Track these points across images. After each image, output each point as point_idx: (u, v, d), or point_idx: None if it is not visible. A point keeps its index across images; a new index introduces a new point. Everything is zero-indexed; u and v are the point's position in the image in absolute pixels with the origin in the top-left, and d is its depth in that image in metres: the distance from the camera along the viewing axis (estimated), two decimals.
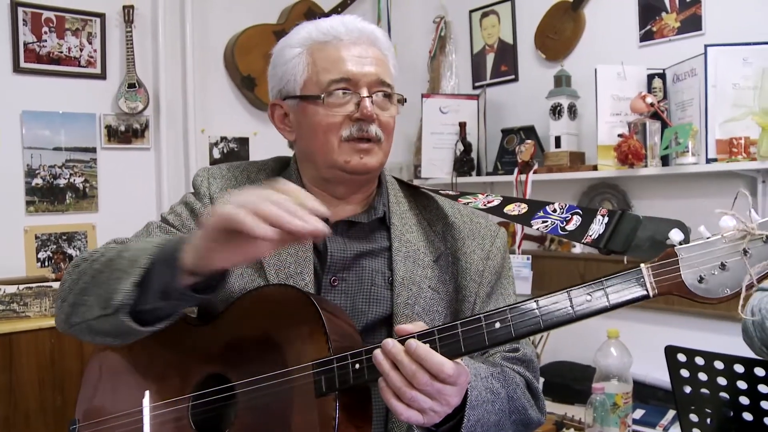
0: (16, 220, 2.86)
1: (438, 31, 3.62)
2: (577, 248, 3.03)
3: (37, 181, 2.90)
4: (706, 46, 2.51)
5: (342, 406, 1.08)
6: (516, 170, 3.11)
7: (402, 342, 1.02)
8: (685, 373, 1.93)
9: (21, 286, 2.60)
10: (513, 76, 3.40)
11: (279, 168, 1.39)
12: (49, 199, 2.92)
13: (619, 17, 2.97)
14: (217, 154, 3.32)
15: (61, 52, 2.94)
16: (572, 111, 3.04)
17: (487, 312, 1.02)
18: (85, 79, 3.00)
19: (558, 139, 3.04)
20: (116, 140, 3.06)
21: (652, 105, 2.67)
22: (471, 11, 3.56)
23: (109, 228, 2.99)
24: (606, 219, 1.13)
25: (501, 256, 1.36)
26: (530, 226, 1.20)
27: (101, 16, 3.02)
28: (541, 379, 2.73)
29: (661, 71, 2.75)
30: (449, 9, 3.65)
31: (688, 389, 1.92)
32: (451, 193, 1.37)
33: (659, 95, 2.74)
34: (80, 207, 2.99)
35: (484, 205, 1.29)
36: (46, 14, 2.91)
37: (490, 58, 3.50)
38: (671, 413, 2.56)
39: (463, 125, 3.38)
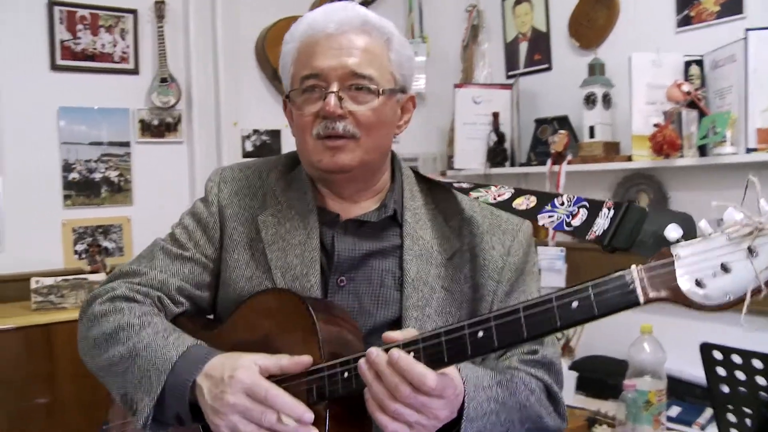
0: (54, 214, 2.94)
1: (470, 20, 3.57)
2: None
3: (74, 175, 2.97)
4: (747, 30, 2.41)
5: (333, 416, 1.06)
6: (549, 161, 3.05)
7: (387, 351, 0.99)
8: (721, 371, 1.87)
9: (58, 279, 2.67)
10: (546, 65, 3.34)
11: (291, 165, 1.34)
12: (86, 193, 2.99)
13: (655, 2, 2.88)
14: (249, 147, 3.35)
15: (96, 49, 3.01)
16: (606, 100, 2.97)
17: (470, 320, 0.97)
18: (118, 74, 3.06)
19: (592, 129, 2.97)
20: (150, 134, 3.12)
21: (688, 93, 2.59)
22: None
23: (143, 220, 3.05)
24: (612, 212, 1.03)
25: (523, 252, 1.28)
26: (536, 221, 1.13)
27: (134, 12, 3.08)
28: (574, 375, 2.71)
29: (699, 58, 2.66)
30: None
31: (725, 388, 1.86)
32: (464, 185, 1.28)
33: (696, 83, 2.65)
34: (115, 200, 3.05)
35: (494, 199, 1.20)
36: (80, 12, 2.98)
37: (523, 47, 3.44)
38: (709, 411, 2.48)
39: (496, 115, 3.34)
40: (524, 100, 3.38)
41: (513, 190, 1.21)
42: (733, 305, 0.81)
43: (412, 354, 0.98)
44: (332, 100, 1.16)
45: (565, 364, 2.84)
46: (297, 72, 1.22)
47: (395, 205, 1.27)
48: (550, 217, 1.11)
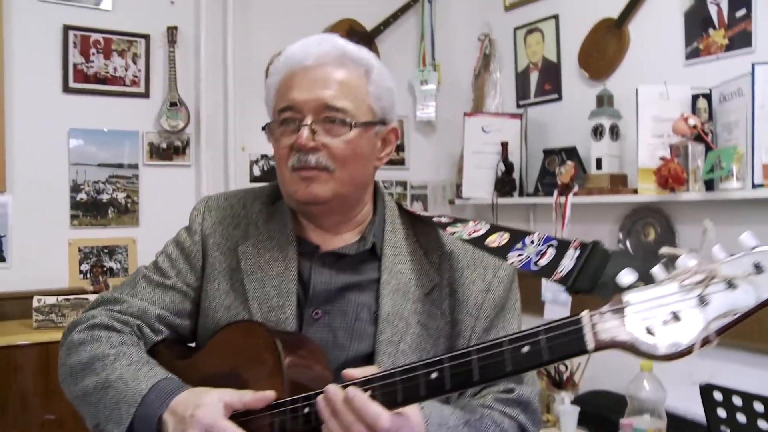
0: (61, 233, 2.98)
1: (482, 49, 3.58)
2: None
3: (82, 195, 3.01)
4: (753, 64, 2.38)
5: None
6: (556, 192, 3.03)
7: (344, 388, 0.99)
8: (722, 413, 1.83)
9: (60, 298, 2.70)
10: (556, 95, 3.32)
11: (275, 194, 1.34)
12: (93, 214, 3.04)
13: (664, 34, 2.86)
14: (257, 172, 3.37)
15: (107, 72, 3.06)
16: (614, 132, 2.94)
17: (425, 360, 0.97)
18: (129, 97, 3.11)
19: (599, 161, 2.94)
20: (158, 157, 3.16)
21: (694, 127, 2.55)
22: (516, 28, 3.50)
23: (149, 242, 3.06)
24: (577, 253, 1.00)
25: (504, 288, 1.26)
26: (506, 259, 1.09)
27: (146, 37, 3.13)
28: (576, 410, 2.64)
29: (707, 91, 2.63)
30: (494, 27, 3.60)
31: (725, 430, 1.81)
32: (443, 220, 1.27)
33: (704, 116, 2.61)
34: (122, 221, 3.09)
35: (469, 235, 1.19)
36: (94, 36, 3.04)
37: (534, 77, 3.43)
38: None
39: (505, 145, 3.32)
40: (533, 130, 3.36)
41: (489, 226, 1.19)
42: (683, 355, 0.79)
43: (369, 393, 0.98)
44: (305, 132, 1.17)
45: (567, 398, 2.80)
46: (276, 104, 1.23)
47: (374, 238, 1.27)
48: (519, 255, 1.08)
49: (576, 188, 2.98)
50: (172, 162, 3.19)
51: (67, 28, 2.99)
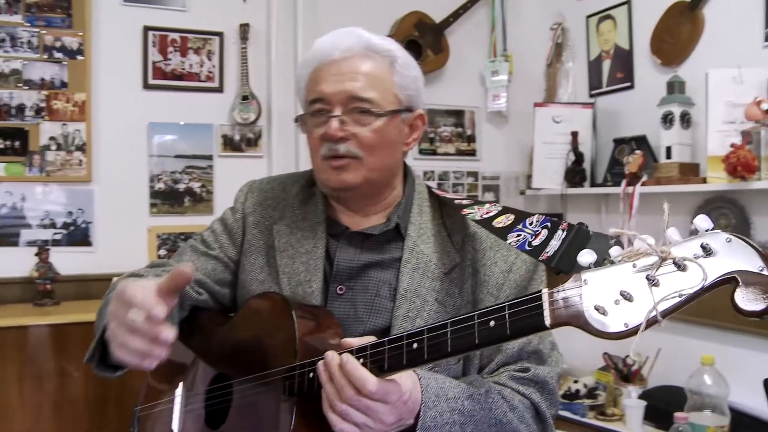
0: (141, 221, 3.17)
1: (555, 38, 3.51)
2: None
3: (160, 185, 3.20)
4: None
5: (299, 411, 1.12)
6: (624, 182, 2.94)
7: (341, 355, 1.05)
8: None
9: None
10: (629, 84, 3.21)
11: (312, 179, 1.41)
12: (170, 202, 3.21)
13: (742, 16, 2.71)
14: None
15: (184, 69, 3.23)
16: (685, 119, 2.82)
17: (410, 330, 1.01)
18: (204, 92, 3.27)
19: (669, 150, 2.83)
20: (231, 149, 3.30)
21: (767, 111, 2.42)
22: (588, 16, 3.41)
23: None
24: (563, 234, 1.04)
25: (527, 269, 1.28)
26: (506, 239, 1.12)
27: (220, 34, 3.28)
28: (642, 404, 2.56)
29: None
30: (566, 15, 3.52)
31: None
32: (464, 202, 1.30)
33: None
34: (197, 210, 3.25)
35: (481, 217, 1.22)
36: (171, 35, 3.21)
37: (606, 65, 3.34)
38: None
39: (575, 135, 3.26)
40: (604, 119, 3.28)
41: (501, 208, 1.22)
42: (630, 335, 0.80)
43: (361, 360, 1.03)
44: (333, 123, 1.23)
45: (635, 392, 2.72)
46: (304, 97, 1.31)
47: (399, 219, 1.32)
48: (518, 236, 1.11)
49: (645, 178, 2.89)
50: (244, 153, 3.33)
51: (146, 29, 3.17)
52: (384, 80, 1.27)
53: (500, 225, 1.17)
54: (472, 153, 3.72)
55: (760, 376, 2.33)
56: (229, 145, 3.29)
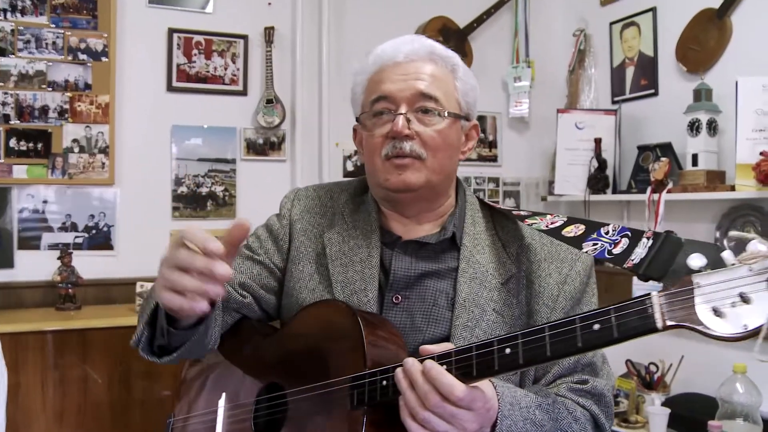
0: (164, 224, 3.15)
1: (577, 45, 3.51)
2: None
3: (183, 189, 3.18)
4: None
5: (370, 422, 1.10)
6: (649, 189, 2.94)
7: (422, 362, 1.03)
8: None
9: None
10: (653, 90, 3.22)
11: (363, 188, 1.43)
12: (192, 206, 3.20)
13: None
14: (350, 167, 3.45)
15: (208, 72, 3.22)
16: (712, 127, 2.82)
17: (500, 336, 1.00)
18: (228, 95, 3.25)
19: (695, 157, 2.83)
20: (254, 152, 3.29)
21: None
22: (611, 23, 3.41)
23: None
24: (650, 242, 1.03)
25: (581, 281, 1.29)
26: (581, 248, 1.14)
27: (245, 37, 3.27)
28: (666, 411, 2.55)
29: None
30: (589, 22, 3.53)
31: None
32: (522, 213, 1.32)
33: None
34: (220, 213, 3.23)
35: (547, 227, 1.23)
36: (196, 38, 3.20)
37: (629, 72, 3.34)
38: None
39: (598, 141, 3.26)
40: (628, 126, 3.28)
41: (566, 218, 1.22)
42: (749, 336, 0.81)
43: (444, 366, 1.01)
44: (400, 120, 1.23)
45: (658, 400, 2.71)
46: (367, 97, 1.31)
47: (455, 228, 1.32)
48: (594, 245, 1.12)
49: (670, 185, 2.89)
50: (268, 157, 3.31)
51: (171, 31, 3.16)
52: (447, 84, 1.29)
53: (570, 234, 1.17)
54: (493, 159, 3.72)
55: None
56: (253, 148, 3.28)
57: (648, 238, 1.04)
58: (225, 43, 3.23)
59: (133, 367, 2.69)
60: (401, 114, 1.23)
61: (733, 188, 2.65)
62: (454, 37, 3.48)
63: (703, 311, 0.83)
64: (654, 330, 0.86)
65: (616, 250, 1.07)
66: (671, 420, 2.60)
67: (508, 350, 0.97)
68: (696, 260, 0.87)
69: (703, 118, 2.81)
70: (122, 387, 2.69)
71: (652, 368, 2.86)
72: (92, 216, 3.06)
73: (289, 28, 3.34)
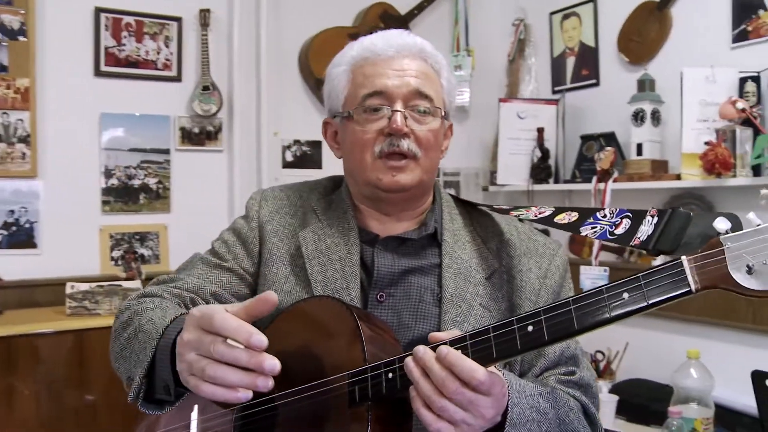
0: (93, 219, 2.95)
1: (517, 34, 3.51)
2: (658, 260, 2.85)
3: (113, 181, 2.98)
4: None
5: (375, 418, 1.03)
6: (595, 178, 2.97)
7: (434, 349, 0.98)
8: None
9: (93, 284, 2.66)
10: (594, 81, 3.25)
11: (332, 187, 1.40)
12: (124, 200, 3.00)
13: (710, 17, 2.78)
14: (289, 157, 3.33)
15: (139, 56, 3.02)
16: (655, 117, 2.87)
17: (519, 315, 0.96)
18: (161, 81, 3.08)
19: (640, 147, 2.88)
20: (190, 142, 3.12)
21: (743, 110, 2.49)
22: (551, 13, 3.43)
23: (180, 228, 3.05)
24: (655, 219, 1.06)
25: (560, 276, 1.31)
26: (579, 233, 1.15)
27: (178, 20, 3.09)
28: (615, 398, 2.60)
29: (756, 74, 2.56)
30: (529, 11, 3.54)
31: None
32: (504, 207, 1.34)
33: (752, 100, 2.54)
34: (153, 207, 3.05)
35: (536, 216, 1.24)
36: (126, 19, 3.00)
37: (570, 62, 3.37)
38: None
39: (541, 131, 3.27)
40: (570, 115, 3.30)
41: (554, 208, 1.22)
42: None
43: (460, 351, 0.97)
44: (399, 118, 1.20)
45: (605, 387, 2.75)
46: (356, 91, 1.25)
47: (435, 224, 1.31)
48: (593, 228, 1.13)
49: (616, 174, 2.93)
50: (204, 147, 3.15)
51: (98, 11, 2.94)
52: (436, 82, 1.28)
53: (564, 222, 1.18)
54: None
55: (732, 371, 2.39)
56: (188, 138, 3.11)
57: (653, 216, 1.06)
58: (157, 26, 3.04)
59: (62, 376, 2.50)
60: (399, 111, 1.21)
61: (679, 177, 2.71)
62: (395, 23, 3.41)
63: (735, 270, 0.85)
64: (688, 293, 0.87)
65: (618, 231, 1.09)
66: (619, 407, 2.65)
67: (530, 327, 0.94)
68: (721, 224, 0.88)
69: (648, 108, 2.85)
70: (52, 398, 2.49)
71: (599, 356, 2.90)
72: (12, 212, 2.82)
73: (225, 11, 3.19)
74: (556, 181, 3.29)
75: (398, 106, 1.21)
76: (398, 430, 1.07)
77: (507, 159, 3.36)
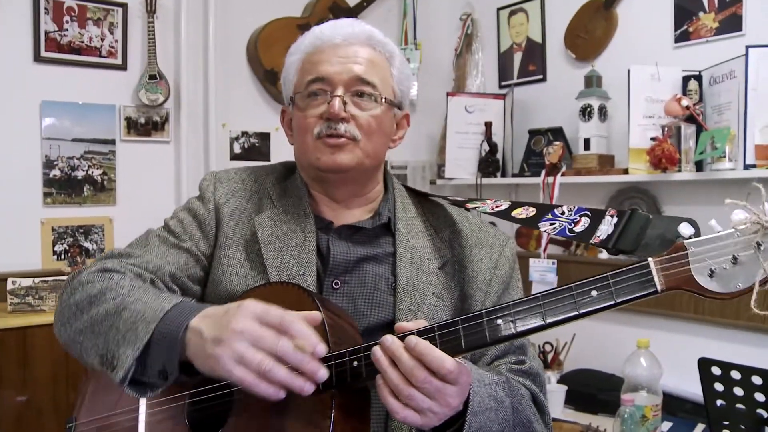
0: (33, 212, 2.82)
1: (464, 29, 3.55)
2: (604, 254, 2.94)
3: (55, 172, 2.85)
4: (747, 47, 2.41)
5: (338, 405, 1.04)
6: (543, 172, 3.03)
7: (402, 339, 1.00)
8: (719, 387, 1.87)
9: (36, 280, 2.55)
10: (541, 76, 3.32)
11: (285, 173, 1.40)
12: (67, 191, 2.88)
13: (653, 17, 2.88)
14: (237, 149, 3.26)
15: (82, 42, 2.90)
16: (602, 113, 2.96)
17: (488, 308, 1.00)
18: (105, 69, 2.96)
19: (587, 142, 2.96)
20: (136, 133, 3.02)
21: (687, 108, 2.59)
22: (499, 9, 3.48)
23: (126, 222, 2.95)
24: (615, 219, 1.12)
25: (509, 266, 1.35)
26: (537, 228, 1.22)
27: (123, 6, 2.97)
28: (563, 388, 2.67)
29: (697, 73, 2.66)
30: (476, 6, 3.57)
31: (721, 403, 1.86)
32: (459, 199, 1.38)
33: (695, 98, 2.65)
34: (98, 200, 2.94)
35: (492, 210, 1.29)
36: (68, 3, 2.87)
37: (517, 57, 3.42)
38: (700, 427, 2.47)
39: (488, 125, 3.31)
40: (518, 110, 3.36)
41: (510, 203, 1.29)
42: (743, 293, 0.90)
43: (428, 341, 1.00)
44: (337, 102, 1.22)
45: (553, 377, 2.82)
46: (302, 78, 1.28)
47: (389, 213, 1.34)
48: (551, 224, 1.19)
49: (564, 168, 2.99)
50: (150, 138, 3.05)
51: None
52: (384, 70, 1.29)
53: (522, 216, 1.25)
54: None
55: (675, 360, 2.49)
56: (134, 128, 3.00)
57: (612, 216, 1.13)
58: (101, 11, 2.92)
59: (3, 376, 2.39)
60: (338, 96, 1.23)
61: (626, 171, 2.79)
62: (343, 15, 3.39)
63: (698, 274, 0.91)
64: (654, 293, 0.93)
65: (578, 228, 1.15)
66: (568, 396, 2.72)
67: (499, 321, 0.98)
68: (685, 229, 0.95)
69: (595, 103, 2.93)
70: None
71: (547, 347, 2.97)
72: None
73: None
74: (504, 175, 3.34)
75: (339, 91, 1.23)
76: (359, 417, 1.08)
77: (455, 153, 3.39)
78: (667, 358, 2.43)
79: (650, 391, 2.43)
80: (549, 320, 0.96)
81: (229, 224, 1.31)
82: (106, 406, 1.28)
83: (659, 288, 0.92)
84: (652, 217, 1.07)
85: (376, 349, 1.00)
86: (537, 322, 0.96)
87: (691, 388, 2.48)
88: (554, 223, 1.18)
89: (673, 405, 2.61)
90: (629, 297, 0.93)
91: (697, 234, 0.95)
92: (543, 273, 3.02)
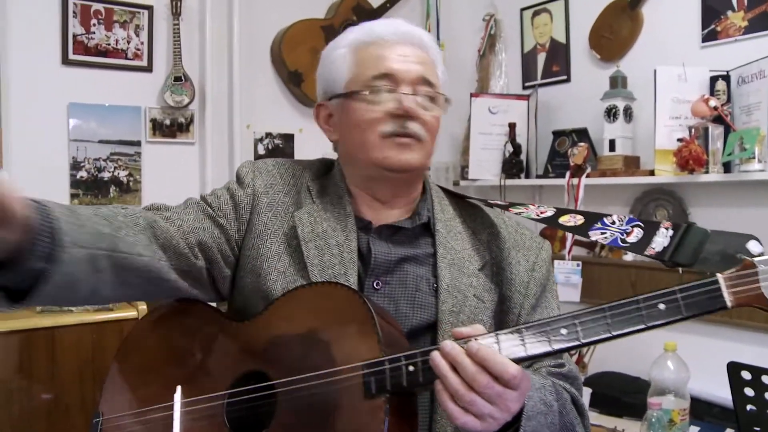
0: None
1: (488, 30, 3.53)
2: (629, 256, 2.91)
3: (82, 173, 2.89)
4: None
5: (393, 410, 1.02)
6: (568, 174, 3.01)
7: (461, 344, 1.00)
8: (749, 392, 1.84)
9: None
10: (565, 77, 3.30)
11: (324, 170, 1.38)
12: (93, 192, 2.91)
13: (679, 16, 2.85)
14: (261, 150, 3.28)
15: (109, 44, 2.93)
16: (628, 113, 2.93)
17: (551, 318, 1.00)
18: (131, 71, 2.98)
19: (612, 143, 2.93)
20: (161, 134, 3.04)
21: (715, 108, 2.56)
22: (522, 9, 3.46)
23: None
24: (671, 232, 1.12)
25: (546, 269, 1.35)
26: (588, 237, 1.19)
27: (149, 8, 3.00)
28: (588, 391, 2.65)
29: (725, 73, 2.63)
30: (499, 7, 3.56)
31: (751, 409, 1.83)
32: (500, 203, 1.37)
33: (722, 98, 2.61)
34: (123, 201, 2.97)
35: (537, 216, 1.28)
36: (95, 6, 2.90)
37: (541, 58, 3.41)
38: None
39: (512, 126, 3.29)
40: (542, 111, 3.34)
41: (555, 209, 1.28)
42: None
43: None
44: (413, 101, 1.22)
45: None
46: (362, 72, 1.26)
47: (428, 213, 1.32)
48: (602, 233, 1.18)
49: (588, 170, 2.97)
50: (175, 139, 3.08)
51: None
52: (436, 70, 1.30)
53: (570, 224, 1.24)
54: None
55: (704, 364, 2.47)
56: (159, 130, 3.03)
57: (667, 228, 1.12)
58: (128, 14, 2.95)
59: (33, 375, 2.41)
60: (410, 94, 1.22)
61: (652, 173, 2.76)
62: (367, 16, 3.39)
63: None
64: (723, 308, 0.93)
65: (631, 239, 1.14)
66: (592, 399, 2.70)
67: (564, 330, 0.98)
68: (755, 247, 0.97)
69: (620, 104, 2.91)
70: (23, 399, 2.40)
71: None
72: None
73: (197, 0, 3.11)
74: (528, 176, 3.33)
75: (407, 89, 1.22)
76: (409, 422, 1.07)
77: (479, 154, 3.38)
78: (695, 361, 2.40)
79: (677, 394, 2.40)
80: (615, 332, 0.96)
81: (267, 214, 1.28)
82: (136, 402, 1.26)
83: (729, 304, 0.93)
84: (710, 232, 1.07)
85: (436, 355, 1.00)
86: (603, 334, 0.97)
87: (719, 392, 2.46)
88: (605, 233, 1.17)
89: (700, 409, 2.58)
90: (697, 312, 0.94)
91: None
92: (568, 275, 3.00)
